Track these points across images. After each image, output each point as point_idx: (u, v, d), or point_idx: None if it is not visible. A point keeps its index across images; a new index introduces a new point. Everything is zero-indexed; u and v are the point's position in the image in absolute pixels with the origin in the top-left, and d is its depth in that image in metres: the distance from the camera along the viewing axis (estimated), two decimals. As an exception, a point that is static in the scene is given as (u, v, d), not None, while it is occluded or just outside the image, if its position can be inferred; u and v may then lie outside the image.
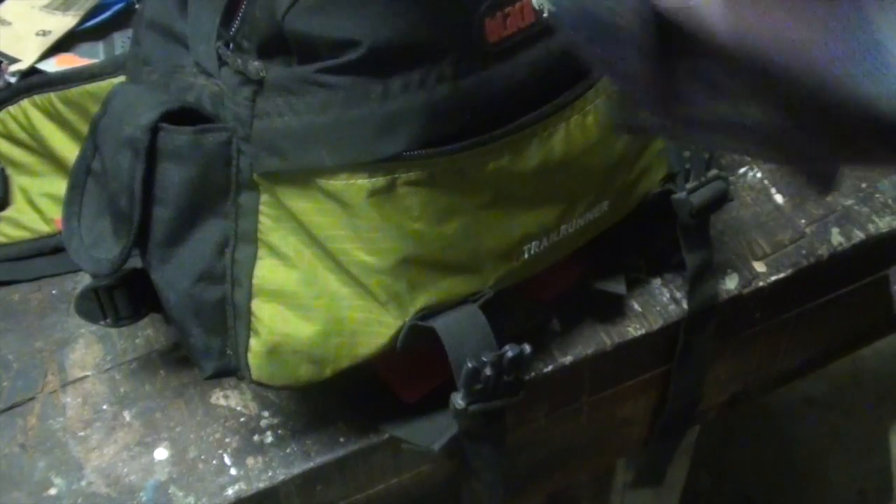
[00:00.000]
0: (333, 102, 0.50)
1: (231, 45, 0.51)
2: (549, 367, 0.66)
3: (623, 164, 0.60)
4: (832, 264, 0.73)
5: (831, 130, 0.28)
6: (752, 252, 0.73)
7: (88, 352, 0.68)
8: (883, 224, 0.74)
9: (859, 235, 0.74)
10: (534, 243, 0.58)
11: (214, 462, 0.62)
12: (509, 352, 0.55)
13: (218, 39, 0.52)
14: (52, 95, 0.69)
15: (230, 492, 0.60)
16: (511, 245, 0.57)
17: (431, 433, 0.61)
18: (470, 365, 0.54)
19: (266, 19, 0.49)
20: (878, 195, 0.76)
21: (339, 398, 0.64)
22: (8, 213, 0.74)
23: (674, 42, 0.30)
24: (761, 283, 0.71)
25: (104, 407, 0.65)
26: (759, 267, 0.72)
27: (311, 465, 0.61)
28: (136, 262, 0.57)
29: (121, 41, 0.77)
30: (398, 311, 0.54)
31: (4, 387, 0.66)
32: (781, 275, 0.71)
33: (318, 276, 0.54)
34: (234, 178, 0.53)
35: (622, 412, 0.75)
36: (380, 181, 0.51)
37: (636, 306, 0.69)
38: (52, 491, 0.61)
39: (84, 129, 0.61)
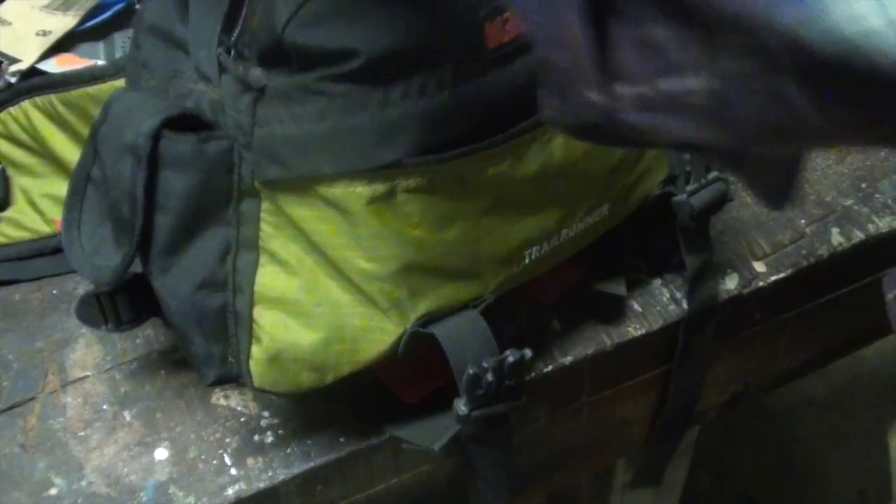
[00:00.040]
0: (333, 110, 0.50)
1: (232, 52, 0.51)
2: (549, 368, 0.66)
3: (623, 168, 0.60)
4: (832, 264, 0.73)
5: (773, 89, 0.27)
6: (752, 252, 0.73)
7: (88, 352, 0.68)
8: (883, 224, 0.74)
9: (859, 235, 0.74)
10: (534, 248, 0.58)
11: (214, 462, 0.62)
12: (510, 357, 0.55)
13: (219, 46, 0.52)
14: (53, 97, 0.69)
15: (230, 492, 0.60)
16: (512, 250, 0.57)
17: (432, 433, 0.61)
18: (471, 371, 0.54)
19: (266, 31, 0.49)
20: (878, 195, 0.76)
21: (340, 398, 0.64)
22: (9, 213, 0.74)
23: (621, 5, 0.29)
24: (761, 283, 0.71)
25: (104, 407, 0.65)
26: (759, 267, 0.72)
27: (311, 465, 0.61)
28: (136, 267, 0.57)
29: (121, 41, 0.77)
30: (399, 318, 0.54)
31: (4, 387, 0.66)
32: (781, 275, 0.71)
33: (319, 284, 0.54)
34: (236, 185, 0.53)
35: (622, 412, 0.75)
36: (379, 188, 0.51)
37: (636, 306, 0.69)
38: (53, 491, 0.61)
39: (85, 131, 0.61)
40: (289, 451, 0.62)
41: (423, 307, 0.55)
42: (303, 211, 0.53)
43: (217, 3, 0.51)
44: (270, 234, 0.54)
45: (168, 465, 0.62)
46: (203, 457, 0.62)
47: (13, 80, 0.73)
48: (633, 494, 0.97)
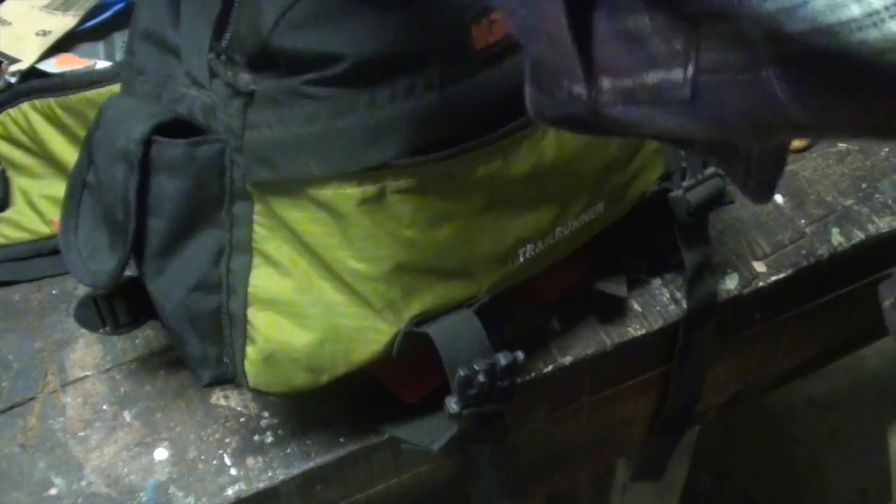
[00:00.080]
0: (321, 113, 0.50)
1: (222, 58, 0.52)
2: (549, 367, 0.66)
3: (616, 167, 0.60)
4: (832, 264, 0.73)
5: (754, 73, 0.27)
6: (752, 252, 0.73)
7: (88, 352, 0.68)
8: (883, 224, 0.74)
9: (859, 235, 0.74)
10: (528, 247, 0.58)
11: (214, 462, 0.62)
12: (502, 360, 0.55)
13: (210, 51, 0.52)
14: (52, 101, 0.69)
15: (230, 492, 0.60)
16: (505, 249, 0.57)
17: (431, 433, 0.61)
18: (462, 373, 0.55)
19: (252, 36, 0.49)
20: (878, 195, 0.76)
21: (340, 399, 0.64)
22: (8, 214, 0.74)
23: None
24: (761, 283, 0.71)
25: (104, 407, 0.65)
26: (759, 267, 0.72)
27: (311, 465, 0.61)
28: (134, 271, 0.57)
29: (121, 41, 0.77)
30: (393, 318, 0.54)
31: (4, 387, 0.66)
32: (781, 275, 0.71)
33: (312, 284, 0.54)
34: (228, 188, 0.54)
35: (622, 412, 0.75)
36: (369, 189, 0.51)
37: (636, 306, 0.69)
38: (53, 491, 0.61)
39: (83, 134, 0.61)
40: (289, 451, 0.62)
41: (416, 307, 0.55)
42: (294, 213, 0.53)
43: (208, 9, 0.51)
44: (263, 235, 0.55)
45: (168, 465, 0.62)
46: (203, 457, 0.62)
47: (13, 80, 0.73)
48: (633, 494, 0.97)
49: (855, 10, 0.24)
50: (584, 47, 0.30)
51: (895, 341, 0.59)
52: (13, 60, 0.74)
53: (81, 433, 0.63)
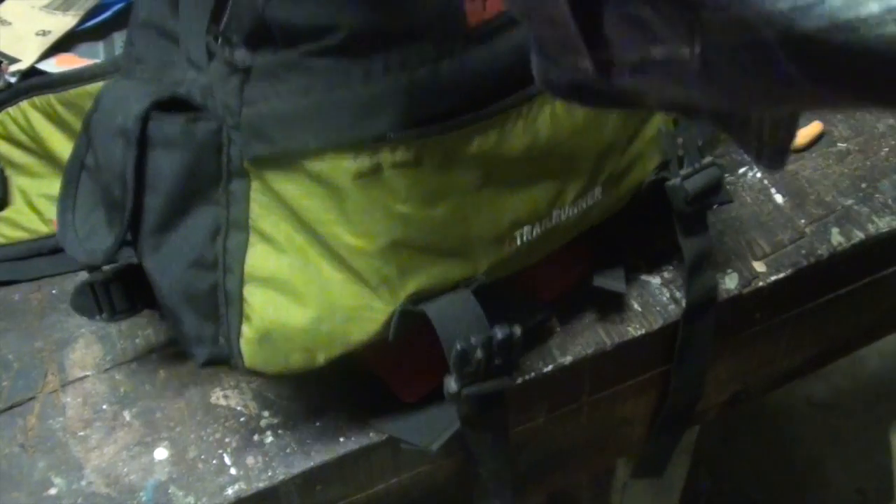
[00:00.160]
0: (316, 85, 0.50)
1: (220, 40, 0.52)
2: (549, 367, 0.66)
3: (613, 150, 0.60)
4: (832, 264, 0.73)
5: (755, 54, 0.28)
6: (752, 252, 0.73)
7: (88, 352, 0.68)
8: (883, 224, 0.74)
9: (859, 235, 0.74)
10: (525, 228, 0.58)
11: (214, 462, 0.62)
12: (499, 333, 0.55)
13: (207, 34, 0.53)
14: (52, 97, 0.70)
15: (230, 492, 0.60)
16: (502, 230, 0.57)
17: (431, 433, 0.61)
18: (459, 347, 0.54)
19: (249, 10, 0.50)
20: (878, 195, 0.76)
21: (339, 398, 0.64)
22: (7, 213, 0.74)
23: None
24: (761, 283, 0.71)
25: (104, 407, 0.65)
26: (759, 267, 0.72)
27: (311, 465, 0.61)
28: (130, 255, 0.58)
29: (121, 41, 0.77)
30: (389, 297, 0.55)
31: (4, 387, 0.66)
32: (781, 275, 0.71)
33: (309, 262, 0.54)
34: (225, 166, 0.54)
35: (622, 412, 0.75)
36: (365, 162, 0.51)
37: (636, 306, 0.69)
38: (52, 491, 0.61)
39: (83, 131, 0.62)
40: (289, 451, 0.62)
41: (412, 285, 0.55)
42: (291, 188, 0.53)
43: None
44: (260, 213, 0.55)
45: (168, 465, 0.62)
46: (203, 457, 0.62)
47: (13, 80, 0.73)
48: (633, 494, 0.97)
49: (874, 7, 0.24)
50: (588, 26, 0.31)
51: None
52: (13, 60, 0.74)
53: (81, 433, 0.63)
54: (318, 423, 0.63)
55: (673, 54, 0.29)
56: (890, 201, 0.76)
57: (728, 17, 0.26)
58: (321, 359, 0.56)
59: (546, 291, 0.68)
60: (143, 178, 0.54)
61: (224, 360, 0.58)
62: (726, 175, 0.77)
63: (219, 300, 0.57)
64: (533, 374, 0.65)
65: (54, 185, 0.72)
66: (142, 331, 0.68)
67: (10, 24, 0.78)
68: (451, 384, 0.56)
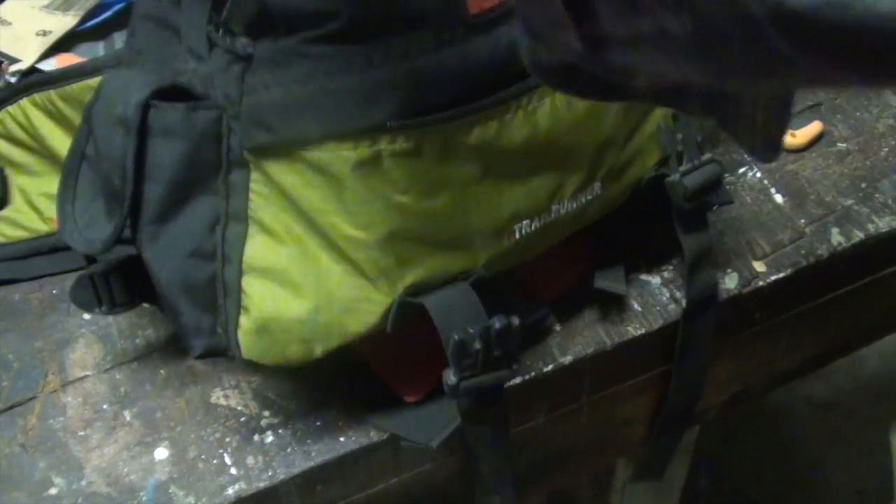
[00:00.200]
0: (316, 72, 0.50)
1: (221, 29, 0.52)
2: (549, 367, 0.66)
3: (613, 145, 0.60)
4: (832, 264, 0.73)
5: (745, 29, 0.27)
6: (752, 252, 0.73)
7: (89, 351, 0.68)
8: (883, 224, 0.74)
9: (859, 235, 0.74)
10: (524, 222, 0.58)
11: (214, 462, 0.62)
12: (496, 323, 0.55)
13: (209, 24, 0.53)
14: (53, 93, 0.70)
15: (230, 491, 0.60)
16: (501, 222, 0.57)
17: (431, 430, 0.61)
18: (457, 337, 0.54)
19: None
20: (878, 195, 0.76)
21: (340, 397, 0.64)
22: (6, 212, 0.74)
23: None
24: (761, 283, 0.71)
25: (104, 407, 0.65)
26: (759, 267, 0.72)
27: (311, 464, 0.61)
28: (129, 250, 0.58)
29: (121, 41, 0.77)
30: (387, 288, 0.55)
31: (4, 387, 0.66)
32: (781, 275, 0.71)
33: (308, 253, 0.55)
34: (225, 155, 0.54)
35: (622, 412, 0.75)
36: (364, 152, 0.51)
37: (636, 306, 0.69)
38: (53, 491, 0.61)
39: (84, 126, 0.62)
40: (289, 450, 0.62)
41: (411, 277, 0.55)
42: (291, 178, 0.53)
43: None
44: (259, 204, 0.55)
45: (168, 465, 0.62)
46: (203, 456, 0.62)
47: (13, 80, 0.73)
48: (633, 494, 0.97)
49: None
50: (575, 1, 0.30)
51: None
52: (13, 60, 0.74)
53: (81, 433, 0.63)
54: (318, 423, 0.63)
55: (662, 27, 0.29)
56: (890, 201, 0.76)
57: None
58: (319, 350, 0.56)
59: (545, 291, 0.68)
60: (142, 168, 0.54)
61: (222, 352, 0.58)
62: (726, 175, 0.77)
63: (217, 291, 0.57)
64: (533, 373, 0.65)
65: (54, 184, 0.72)
66: (142, 331, 0.68)
67: (10, 24, 0.78)
68: (450, 376, 0.56)
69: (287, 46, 0.50)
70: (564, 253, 0.63)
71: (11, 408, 0.65)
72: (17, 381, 0.66)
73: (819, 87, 0.33)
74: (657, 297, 0.70)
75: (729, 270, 0.71)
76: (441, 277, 0.56)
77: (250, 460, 0.62)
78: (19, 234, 0.73)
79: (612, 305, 0.69)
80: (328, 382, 0.64)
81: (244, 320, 0.56)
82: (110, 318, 0.68)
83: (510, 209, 0.57)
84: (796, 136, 0.79)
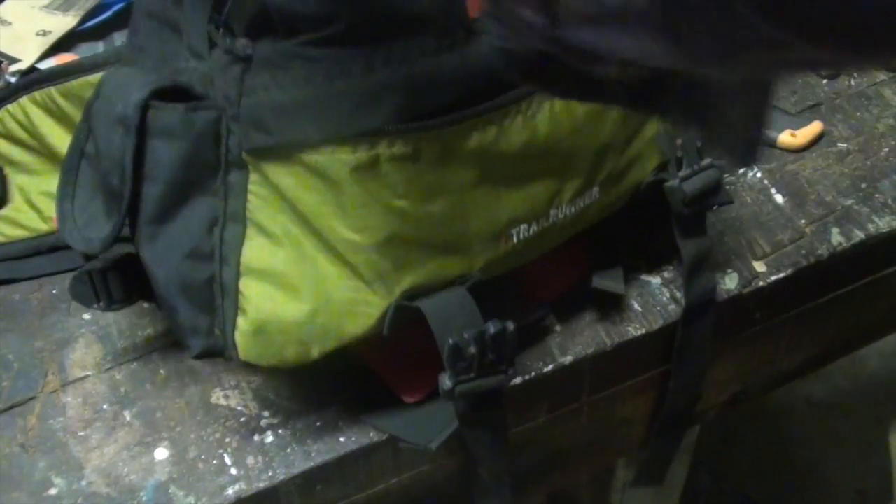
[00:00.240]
0: (316, 75, 0.50)
1: (221, 29, 0.52)
2: (549, 367, 0.66)
3: (612, 150, 0.60)
4: (832, 264, 0.73)
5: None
6: (752, 252, 0.73)
7: (88, 352, 0.68)
8: (883, 224, 0.74)
9: (859, 235, 0.74)
10: (523, 227, 0.58)
11: (214, 462, 0.62)
12: (491, 328, 0.55)
13: (209, 23, 0.53)
14: (53, 90, 0.69)
15: (230, 492, 0.60)
16: (499, 227, 0.57)
17: (430, 432, 0.61)
18: (452, 342, 0.54)
19: None
20: (878, 195, 0.76)
21: (340, 398, 0.64)
22: (6, 212, 0.74)
23: None
24: (761, 283, 0.71)
25: (104, 407, 0.65)
26: (759, 267, 0.72)
27: (311, 465, 0.61)
28: (128, 248, 0.58)
29: (121, 41, 0.77)
30: (384, 291, 0.55)
31: (4, 387, 0.66)
32: (781, 275, 0.71)
33: (305, 256, 0.55)
34: (224, 156, 0.54)
35: (622, 412, 0.75)
36: (363, 155, 0.51)
37: (636, 306, 0.69)
38: (53, 491, 0.61)
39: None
40: (289, 451, 0.62)
41: (408, 281, 0.55)
42: (289, 180, 0.53)
43: None
44: (258, 205, 0.55)
45: (168, 465, 0.62)
46: (203, 457, 0.62)
47: (13, 80, 0.73)
48: (633, 494, 0.97)
49: None
50: None
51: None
52: (13, 60, 0.74)
53: (81, 433, 0.63)
54: (318, 423, 0.63)
55: (629, 2, 0.28)
56: (890, 201, 0.76)
57: None
58: (315, 352, 0.56)
59: (544, 292, 0.68)
60: (141, 167, 0.54)
61: (219, 352, 0.58)
62: (726, 175, 0.77)
63: (214, 292, 0.57)
64: (533, 374, 0.65)
65: (54, 183, 0.72)
66: (142, 331, 0.68)
67: (10, 24, 0.78)
68: (446, 381, 0.56)
69: (287, 49, 0.50)
70: (564, 253, 0.63)
71: (11, 408, 0.65)
72: (17, 381, 0.66)
73: (792, 69, 0.32)
74: (657, 297, 0.70)
75: (729, 270, 0.71)
76: (438, 281, 0.56)
77: (250, 460, 0.62)
78: (19, 233, 0.73)
79: (612, 305, 0.69)
80: (328, 383, 0.64)
81: (241, 321, 0.56)
82: (110, 319, 0.68)
83: (508, 214, 0.57)
84: (796, 136, 0.79)
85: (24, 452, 0.63)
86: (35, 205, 0.73)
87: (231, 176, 0.55)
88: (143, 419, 0.64)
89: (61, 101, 0.70)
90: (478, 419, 0.60)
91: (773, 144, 0.80)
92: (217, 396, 0.65)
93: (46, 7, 0.78)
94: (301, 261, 0.55)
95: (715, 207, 0.71)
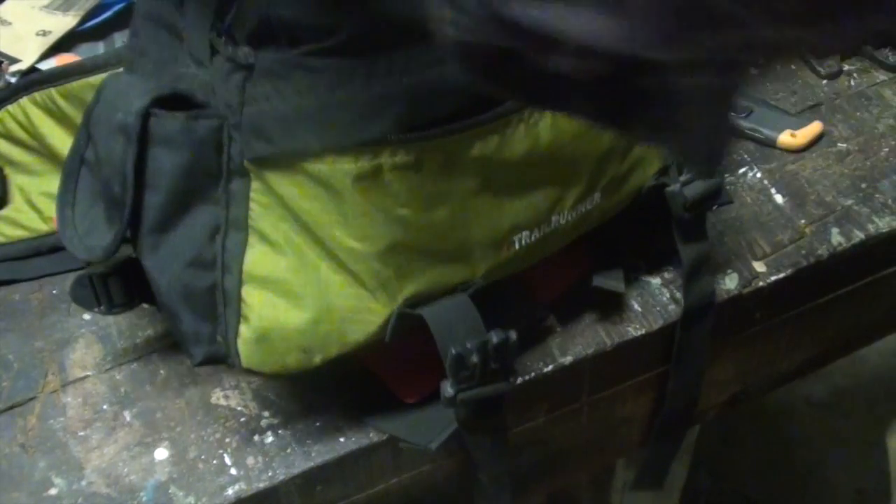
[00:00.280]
0: (318, 85, 0.50)
1: (223, 37, 0.52)
2: (549, 367, 0.66)
3: (613, 155, 0.60)
4: (832, 264, 0.73)
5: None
6: (752, 252, 0.73)
7: (89, 352, 0.68)
8: (883, 224, 0.74)
9: (859, 235, 0.74)
10: (524, 233, 0.58)
11: (214, 462, 0.62)
12: (494, 338, 0.55)
13: (211, 30, 0.53)
14: (53, 91, 0.69)
15: (230, 492, 0.60)
16: (501, 234, 0.57)
17: (430, 432, 0.61)
18: (454, 351, 0.55)
19: (254, 7, 0.50)
20: (878, 195, 0.76)
21: (340, 398, 0.64)
22: (6, 212, 0.74)
23: None
24: (761, 283, 0.71)
25: (104, 407, 0.65)
26: (759, 267, 0.72)
27: (311, 465, 0.61)
28: (129, 251, 0.58)
29: (121, 41, 0.77)
30: (387, 299, 0.55)
31: (4, 387, 0.66)
32: (781, 275, 0.71)
33: (307, 263, 0.54)
34: (225, 165, 0.54)
35: (622, 412, 0.75)
36: (365, 165, 0.51)
37: (636, 306, 0.69)
38: (53, 491, 0.61)
39: (84, 123, 0.62)
40: (289, 451, 0.62)
41: (410, 288, 0.55)
42: (291, 189, 0.53)
43: None
44: (260, 213, 0.55)
45: (168, 465, 0.62)
46: (203, 457, 0.62)
47: (13, 80, 0.73)
48: (633, 494, 0.97)
49: None
50: None
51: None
52: (13, 60, 0.74)
53: (81, 433, 0.63)
54: (318, 423, 0.63)
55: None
56: (890, 201, 0.76)
57: None
58: (318, 359, 0.57)
59: (544, 292, 0.68)
60: (143, 176, 0.54)
61: (221, 360, 0.58)
62: (726, 175, 0.77)
63: (217, 300, 0.57)
64: (533, 374, 0.65)
65: (54, 183, 0.72)
66: (142, 331, 0.68)
67: (10, 24, 0.78)
68: (447, 389, 0.56)
69: (289, 58, 0.50)
70: (564, 254, 0.63)
71: (11, 408, 0.65)
72: (17, 381, 0.66)
73: (746, 54, 0.31)
74: (657, 297, 0.70)
75: (729, 271, 0.71)
76: (440, 288, 0.56)
77: (250, 460, 0.62)
78: (19, 233, 0.73)
79: (612, 306, 0.69)
80: (328, 383, 0.64)
81: (244, 329, 0.56)
82: (110, 319, 0.68)
83: (510, 221, 0.57)
84: (796, 136, 0.79)
85: (24, 452, 0.63)
86: (35, 205, 0.73)
87: (233, 184, 0.55)
88: (143, 419, 0.64)
89: (61, 102, 0.70)
90: (478, 425, 0.60)
91: (773, 144, 0.80)
92: (217, 397, 0.65)
93: (46, 7, 0.78)
94: (303, 268, 0.55)
95: (715, 207, 0.71)
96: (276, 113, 0.51)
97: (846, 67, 0.86)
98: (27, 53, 0.75)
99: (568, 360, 0.66)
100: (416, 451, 0.62)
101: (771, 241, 0.73)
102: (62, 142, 0.71)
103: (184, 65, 0.55)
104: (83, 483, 0.61)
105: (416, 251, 0.54)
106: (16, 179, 0.74)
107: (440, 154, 0.53)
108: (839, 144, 0.80)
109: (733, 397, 0.82)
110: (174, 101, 0.54)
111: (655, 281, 0.71)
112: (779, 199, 0.76)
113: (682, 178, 0.63)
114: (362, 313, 0.55)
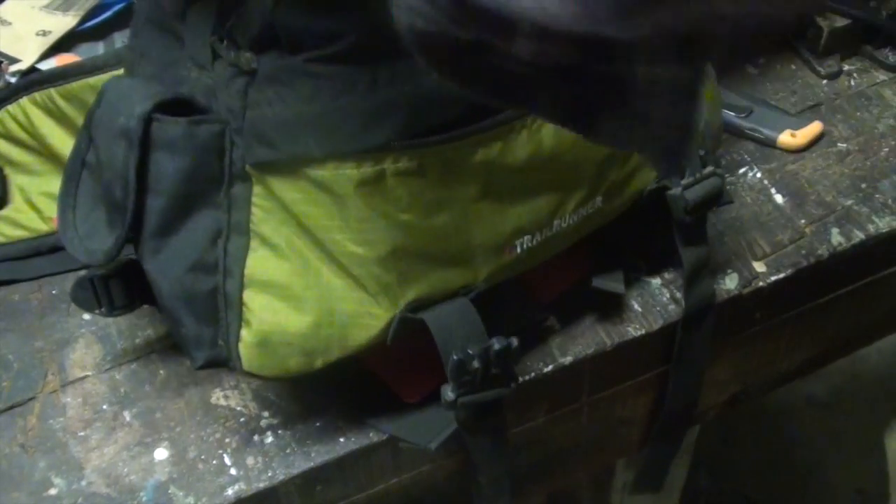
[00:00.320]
0: (321, 92, 0.50)
1: (225, 41, 0.52)
2: (549, 367, 0.66)
3: (615, 160, 0.60)
4: (832, 264, 0.73)
5: None
6: (752, 252, 0.73)
7: (88, 352, 0.68)
8: (883, 224, 0.74)
9: (859, 235, 0.74)
10: (526, 237, 0.58)
11: (214, 462, 0.62)
12: (496, 344, 0.56)
13: (213, 34, 0.52)
14: (53, 91, 0.69)
15: (230, 492, 0.60)
16: (502, 239, 0.57)
17: (430, 432, 0.61)
18: (456, 357, 0.55)
19: (257, 13, 0.50)
20: (878, 195, 0.76)
21: (339, 398, 0.64)
22: (6, 212, 0.74)
23: None
24: (761, 283, 0.71)
25: (104, 407, 0.65)
26: (759, 267, 0.72)
27: (311, 465, 0.61)
28: (130, 252, 0.58)
29: (121, 41, 0.77)
30: (388, 303, 0.55)
31: (4, 387, 0.66)
32: (781, 275, 0.71)
33: (309, 268, 0.55)
34: (227, 169, 0.54)
35: (622, 412, 0.75)
36: (368, 171, 0.51)
37: (636, 306, 0.69)
38: (53, 491, 0.61)
39: (84, 124, 0.61)
40: (289, 451, 0.62)
41: (412, 293, 0.55)
42: (293, 194, 0.53)
43: None
44: (262, 218, 0.55)
45: (168, 465, 0.62)
46: (203, 457, 0.62)
47: (13, 80, 0.73)
48: (633, 494, 0.97)
49: None
50: None
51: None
52: (13, 60, 0.74)
53: (81, 433, 0.63)
54: (318, 424, 0.63)
55: None
56: (890, 201, 0.76)
57: None
58: (319, 363, 0.57)
59: (545, 292, 0.68)
60: (144, 180, 0.54)
61: (222, 363, 0.58)
62: (726, 175, 0.77)
63: (218, 303, 0.57)
64: (533, 374, 0.65)
65: (53, 183, 0.72)
66: (142, 331, 0.68)
67: (10, 24, 0.78)
68: (448, 393, 0.57)
69: (292, 64, 0.50)
70: (564, 255, 0.63)
71: (11, 408, 0.65)
72: (17, 381, 0.66)
73: (707, 27, 0.30)
74: (657, 297, 0.70)
75: (729, 271, 0.71)
76: (442, 293, 0.56)
77: (250, 461, 0.62)
78: (19, 233, 0.73)
79: (612, 306, 0.69)
80: (328, 384, 0.64)
81: (245, 333, 0.56)
82: (110, 319, 0.68)
83: (512, 226, 0.57)
84: (796, 137, 0.79)
85: (24, 452, 0.63)
86: (35, 205, 0.73)
87: (235, 188, 0.55)
88: (142, 419, 0.64)
89: (61, 103, 0.70)
90: (478, 426, 0.60)
91: (773, 144, 0.80)
92: (217, 397, 0.65)
93: (46, 7, 0.78)
94: (305, 273, 0.55)
95: (715, 207, 0.71)
96: (279, 118, 0.51)
97: (846, 67, 0.86)
98: (27, 53, 0.75)
99: (568, 360, 0.66)
100: (416, 451, 0.62)
101: (771, 241, 0.73)
102: (62, 142, 0.71)
103: (184, 68, 0.55)
104: (83, 483, 0.61)
105: (418, 256, 0.54)
106: (16, 179, 0.74)
107: (443, 160, 0.53)
108: (839, 144, 0.80)
109: (733, 397, 0.83)
110: (175, 106, 0.54)
111: (655, 281, 0.71)
112: (779, 199, 0.76)
113: (684, 182, 0.63)
114: (364, 317, 0.55)
